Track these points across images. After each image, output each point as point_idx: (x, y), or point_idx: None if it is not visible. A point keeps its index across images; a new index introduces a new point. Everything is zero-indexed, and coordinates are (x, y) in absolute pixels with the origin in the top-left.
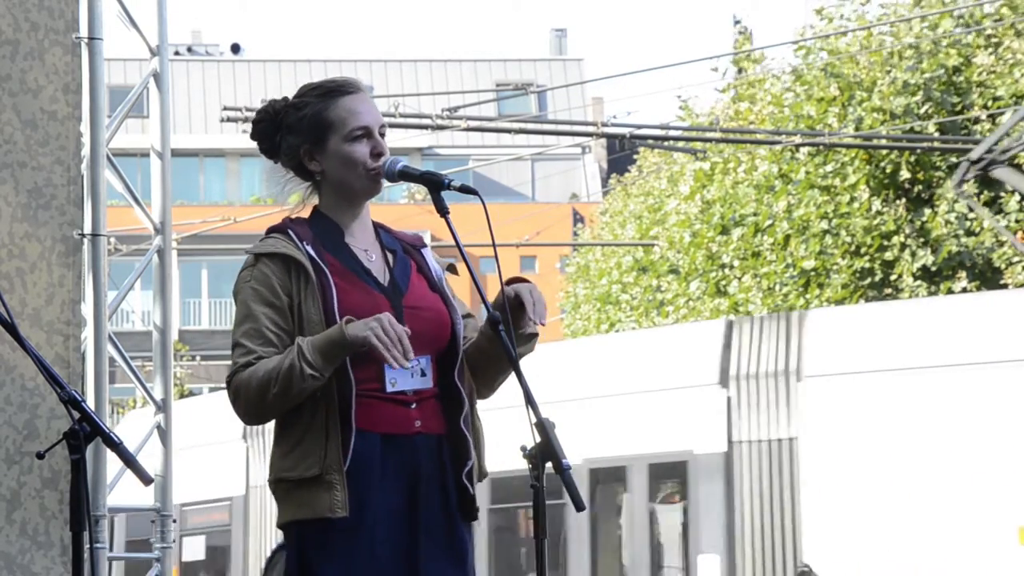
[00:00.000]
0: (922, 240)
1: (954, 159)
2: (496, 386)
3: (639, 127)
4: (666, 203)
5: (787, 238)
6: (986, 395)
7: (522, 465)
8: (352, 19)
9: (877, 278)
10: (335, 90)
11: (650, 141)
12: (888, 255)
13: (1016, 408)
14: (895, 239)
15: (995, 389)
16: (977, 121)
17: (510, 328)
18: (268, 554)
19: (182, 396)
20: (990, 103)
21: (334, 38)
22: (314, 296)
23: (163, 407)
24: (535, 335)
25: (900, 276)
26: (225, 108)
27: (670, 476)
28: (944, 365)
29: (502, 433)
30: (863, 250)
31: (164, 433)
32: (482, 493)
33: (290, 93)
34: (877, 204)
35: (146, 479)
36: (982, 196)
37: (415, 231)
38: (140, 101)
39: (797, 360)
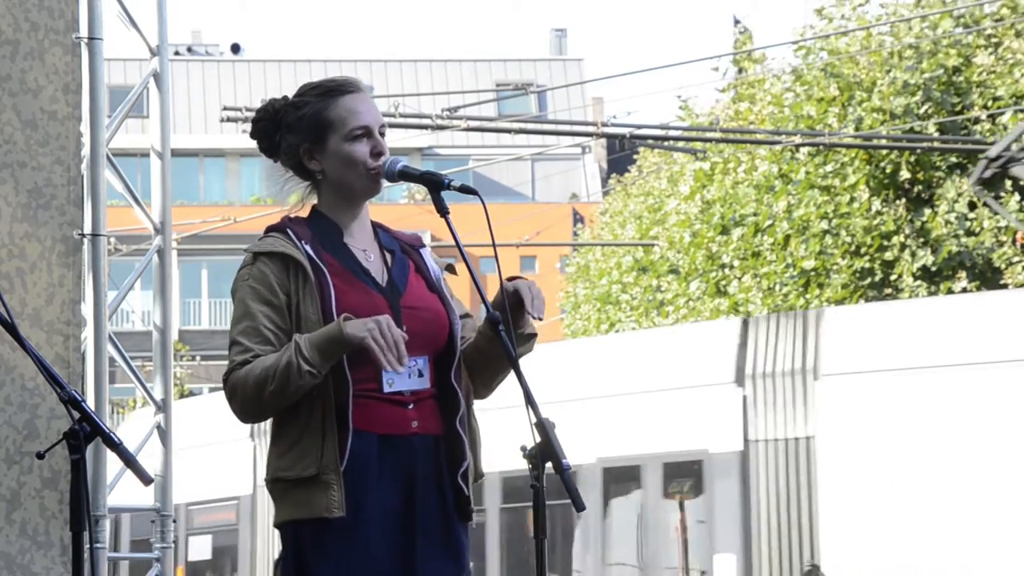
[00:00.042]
0: (922, 240)
1: (954, 159)
2: (494, 386)
3: (639, 127)
4: (666, 203)
5: (787, 238)
6: (1004, 394)
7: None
8: (352, 19)
9: (877, 278)
10: (335, 89)
11: (650, 141)
12: (888, 255)
13: None
14: (895, 239)
15: (1013, 388)
16: (977, 121)
17: (510, 327)
18: (277, 556)
19: (182, 396)
20: (990, 103)
21: (334, 38)
22: (312, 296)
23: (163, 407)
24: (534, 335)
25: (900, 276)
26: (225, 108)
27: (685, 475)
28: (962, 364)
29: (513, 433)
30: (863, 250)
31: (164, 433)
32: (493, 492)
33: (290, 93)
34: (877, 204)
35: (146, 479)
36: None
37: (415, 231)
38: (140, 101)
39: (814, 358)
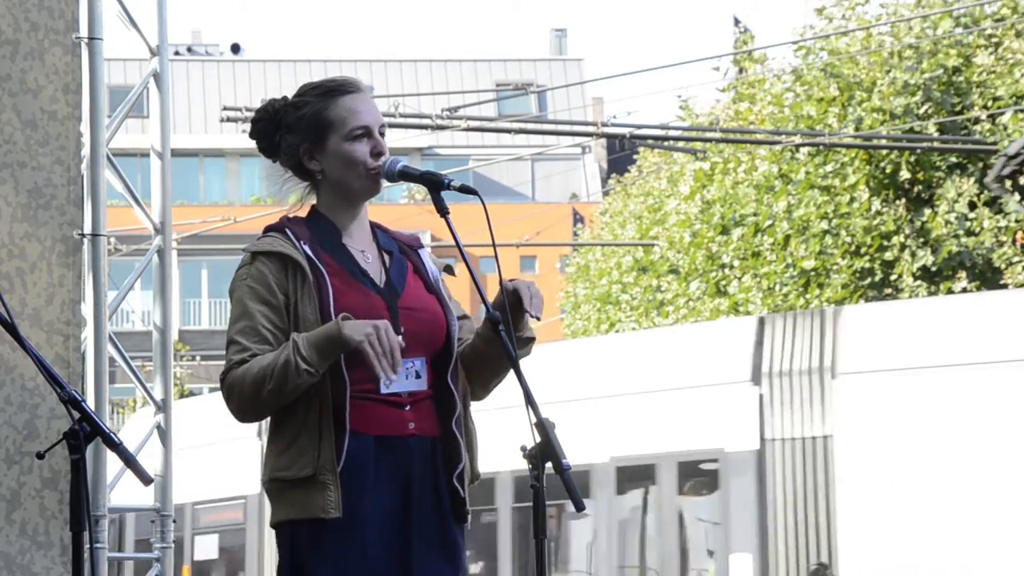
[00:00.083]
0: (922, 240)
1: (954, 159)
2: (491, 388)
3: (639, 127)
4: (666, 203)
5: (787, 238)
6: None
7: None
8: (352, 19)
9: (877, 278)
10: (335, 89)
11: (650, 141)
12: (888, 255)
13: None
14: (895, 239)
15: None
16: (977, 121)
17: (509, 326)
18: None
19: (182, 396)
20: (990, 103)
21: (334, 38)
22: (310, 296)
23: (163, 407)
24: (532, 339)
25: (900, 276)
26: (225, 108)
27: (701, 474)
28: (980, 363)
29: (524, 432)
30: (863, 250)
31: (164, 433)
32: (505, 492)
33: (290, 93)
34: (877, 204)
35: (146, 479)
36: (982, 196)
37: (415, 231)
38: (140, 101)
39: (832, 357)
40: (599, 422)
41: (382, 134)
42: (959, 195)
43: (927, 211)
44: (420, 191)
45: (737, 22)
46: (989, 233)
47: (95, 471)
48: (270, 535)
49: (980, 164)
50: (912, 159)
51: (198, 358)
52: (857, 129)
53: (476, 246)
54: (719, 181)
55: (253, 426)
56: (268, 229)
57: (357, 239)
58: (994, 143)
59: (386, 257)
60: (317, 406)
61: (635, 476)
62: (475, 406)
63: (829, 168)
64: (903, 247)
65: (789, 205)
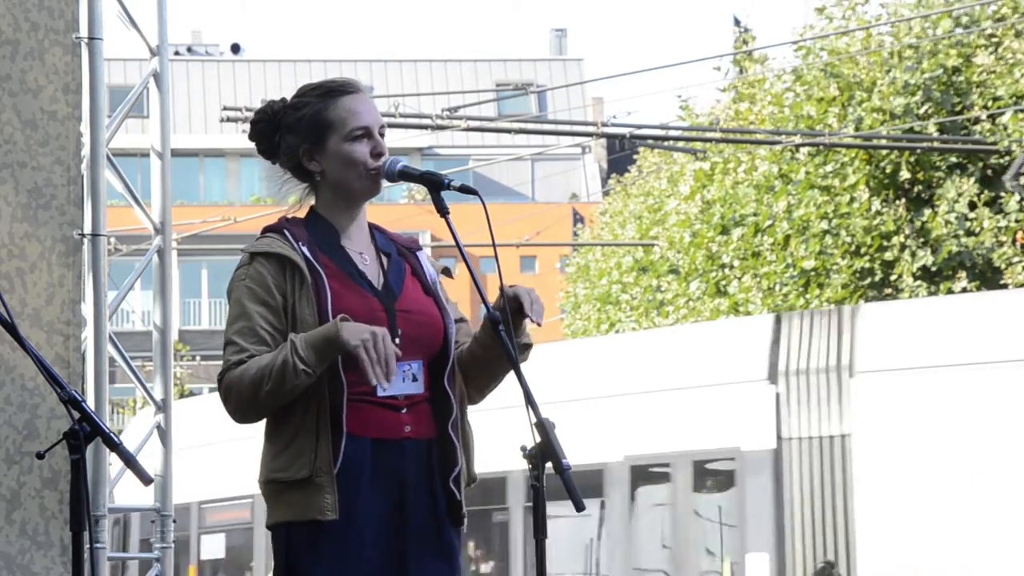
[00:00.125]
0: (922, 240)
1: (954, 159)
2: (486, 393)
3: (639, 127)
4: (666, 203)
5: (787, 238)
6: None
7: None
8: (352, 19)
9: (877, 278)
10: (335, 90)
11: (650, 141)
12: (888, 255)
13: None
14: (895, 239)
15: None
16: (977, 121)
17: (510, 327)
18: None
19: (182, 396)
20: (990, 103)
21: (334, 38)
22: (308, 297)
23: (163, 407)
24: (529, 345)
25: (900, 276)
26: (225, 108)
27: (717, 473)
28: (1001, 361)
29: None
30: (863, 250)
31: (164, 433)
32: (517, 491)
33: (290, 93)
34: (877, 204)
35: (146, 479)
36: (982, 196)
37: (415, 231)
38: (140, 101)
39: (850, 355)
40: (614, 421)
41: (382, 135)
42: (959, 195)
43: (927, 211)
44: (420, 191)
45: (737, 22)
46: (989, 233)
47: (95, 471)
48: None
49: (980, 164)
50: (912, 159)
51: (198, 358)
52: (857, 129)
53: (476, 246)
54: (719, 181)
55: (261, 425)
56: (266, 230)
57: (355, 241)
58: (994, 143)
59: (384, 259)
60: (314, 408)
61: (650, 475)
62: (487, 405)
63: (829, 168)
64: (903, 247)
65: (789, 205)
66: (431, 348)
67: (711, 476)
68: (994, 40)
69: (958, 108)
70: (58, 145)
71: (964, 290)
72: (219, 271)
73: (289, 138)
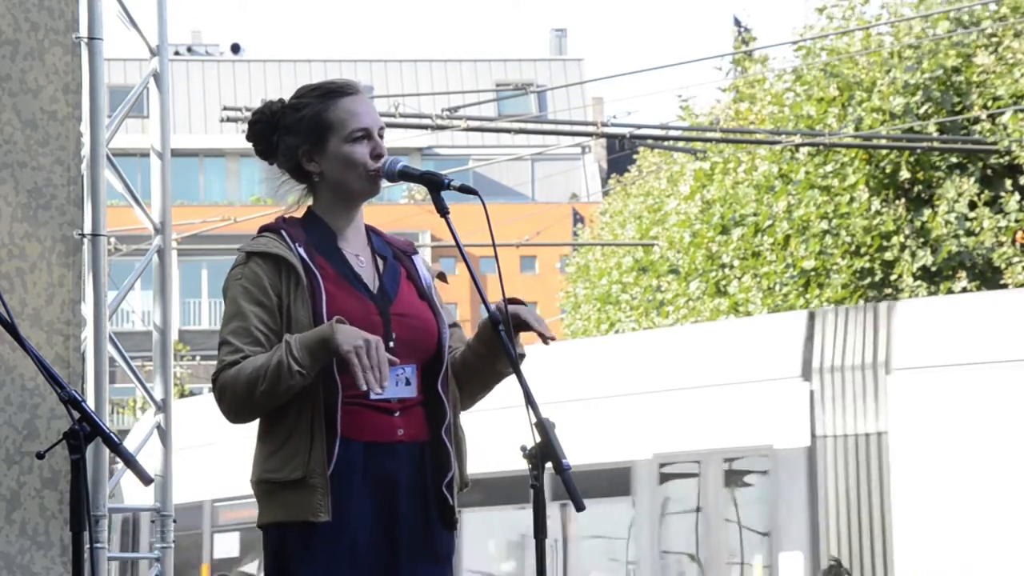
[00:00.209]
0: (922, 240)
1: (954, 159)
2: (478, 399)
3: (639, 127)
4: (666, 203)
5: (787, 238)
6: None
7: None
8: (352, 19)
9: (877, 278)
10: (334, 91)
11: (650, 141)
12: (888, 255)
13: None
14: (895, 239)
15: None
16: (977, 121)
17: (509, 327)
18: None
19: (182, 396)
20: (990, 103)
21: (334, 38)
22: (304, 299)
23: (163, 407)
24: (523, 356)
25: (900, 276)
26: (225, 108)
27: (750, 471)
28: None
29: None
30: (863, 250)
31: (164, 433)
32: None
33: (290, 93)
34: (877, 204)
35: (146, 479)
36: (982, 196)
37: (415, 231)
38: (140, 101)
39: (886, 352)
40: (644, 418)
41: (381, 136)
42: (959, 195)
43: (927, 211)
44: (420, 191)
45: (737, 22)
46: (989, 233)
47: (95, 471)
48: None
49: (980, 164)
50: (912, 159)
51: (198, 358)
52: (857, 129)
53: (476, 246)
54: (719, 181)
55: None
56: (263, 229)
57: (352, 243)
58: (994, 143)
59: (380, 262)
60: (309, 409)
61: (680, 472)
62: (502, 402)
63: (829, 168)
64: (903, 247)
65: (789, 205)
66: (425, 352)
67: (745, 473)
68: (994, 40)
69: (958, 108)
70: (58, 145)
71: (964, 290)
72: (219, 271)
73: (288, 139)
